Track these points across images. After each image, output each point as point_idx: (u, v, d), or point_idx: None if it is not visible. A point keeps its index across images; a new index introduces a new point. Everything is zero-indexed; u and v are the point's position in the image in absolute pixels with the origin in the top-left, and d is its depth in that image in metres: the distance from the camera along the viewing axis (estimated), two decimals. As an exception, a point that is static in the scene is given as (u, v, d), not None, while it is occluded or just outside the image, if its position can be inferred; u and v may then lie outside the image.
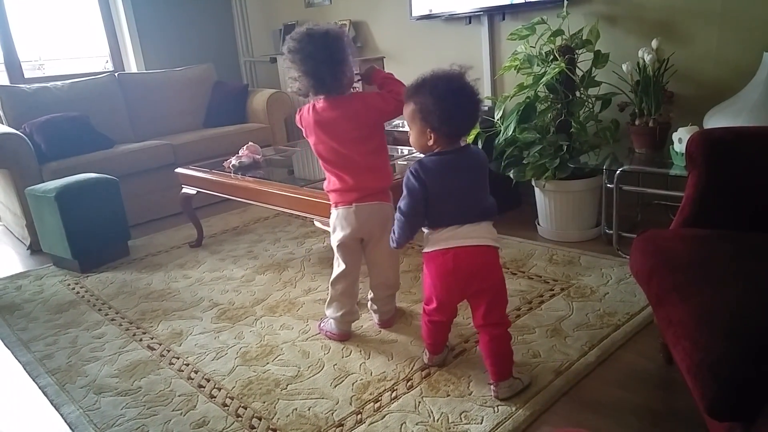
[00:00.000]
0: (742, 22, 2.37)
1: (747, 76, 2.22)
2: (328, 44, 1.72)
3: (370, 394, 1.64)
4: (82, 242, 2.82)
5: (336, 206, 1.85)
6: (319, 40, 1.71)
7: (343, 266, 1.89)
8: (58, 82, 3.77)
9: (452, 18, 3.35)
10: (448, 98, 1.44)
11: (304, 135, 1.88)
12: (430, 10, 3.37)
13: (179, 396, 1.73)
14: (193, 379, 1.81)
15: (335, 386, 1.69)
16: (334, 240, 1.87)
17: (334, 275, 1.91)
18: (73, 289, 2.67)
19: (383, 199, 1.84)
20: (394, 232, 1.59)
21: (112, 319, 2.30)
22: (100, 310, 2.40)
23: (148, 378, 1.84)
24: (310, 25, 1.75)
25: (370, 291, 2.00)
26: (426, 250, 1.56)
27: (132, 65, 4.46)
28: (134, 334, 2.15)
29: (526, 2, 2.93)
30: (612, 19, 2.72)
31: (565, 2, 2.65)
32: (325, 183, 1.91)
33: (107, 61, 4.48)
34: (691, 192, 1.55)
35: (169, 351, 2.00)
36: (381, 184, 1.84)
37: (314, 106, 1.82)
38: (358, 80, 1.88)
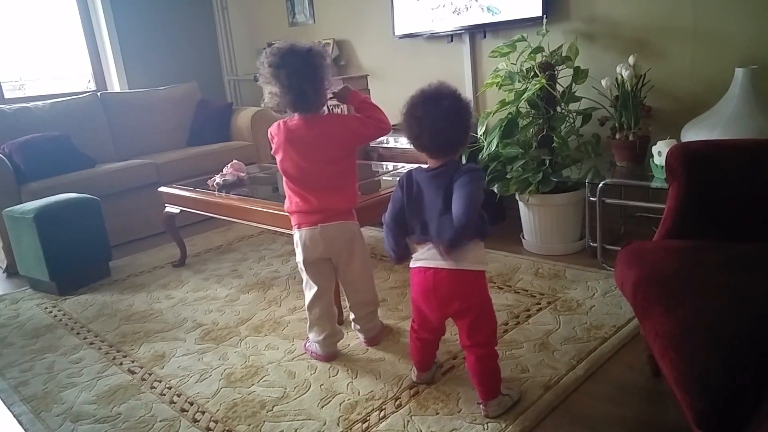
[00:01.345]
0: (714, 39, 2.43)
1: (720, 90, 2.27)
2: (312, 61, 1.72)
3: (358, 414, 1.61)
4: (60, 264, 2.76)
5: (299, 227, 1.82)
6: (304, 56, 1.71)
7: (314, 288, 1.86)
8: (39, 102, 3.73)
9: (434, 36, 3.39)
10: (408, 114, 1.45)
11: (272, 151, 1.86)
12: (412, 32, 3.41)
13: (161, 421, 1.68)
14: (175, 403, 1.76)
15: (322, 407, 1.66)
16: (301, 262, 1.85)
17: (308, 299, 1.88)
18: (51, 312, 2.60)
19: (348, 218, 1.82)
20: None
21: (91, 343, 2.24)
22: (78, 333, 2.35)
23: (128, 403, 1.79)
24: (292, 41, 1.75)
25: (351, 311, 1.98)
26: (411, 264, 1.55)
27: (115, 85, 4.43)
28: (114, 358, 2.10)
29: (506, 20, 2.97)
30: (590, 37, 2.77)
31: (545, 20, 2.70)
32: (286, 203, 1.87)
33: (89, 81, 4.45)
34: (672, 204, 1.57)
35: (150, 374, 1.95)
36: (346, 205, 1.82)
37: (285, 122, 1.80)
38: (330, 98, 1.87)
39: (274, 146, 1.83)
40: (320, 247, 1.80)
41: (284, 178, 1.84)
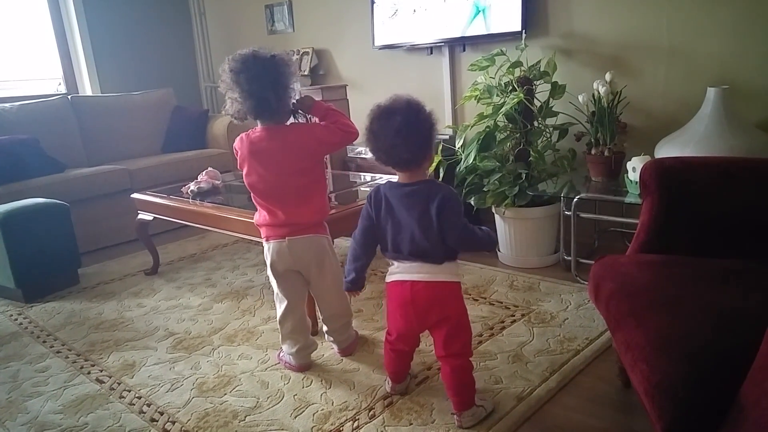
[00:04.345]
0: (687, 59, 2.50)
1: (693, 109, 2.33)
2: (275, 67, 1.68)
3: (332, 424, 1.59)
4: (26, 270, 2.69)
5: (267, 240, 1.80)
6: (266, 63, 1.67)
7: (285, 302, 1.83)
8: (7, 105, 3.64)
9: (414, 48, 3.42)
10: (367, 129, 1.45)
11: (238, 165, 1.81)
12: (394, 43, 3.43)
13: (129, 431, 1.64)
14: (145, 413, 1.72)
15: (295, 417, 1.64)
16: (271, 276, 1.83)
17: (279, 313, 1.86)
18: (16, 320, 2.53)
19: (318, 231, 1.79)
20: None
21: (58, 352, 2.18)
22: (44, 342, 2.28)
23: (95, 413, 1.74)
24: (256, 48, 1.71)
25: (324, 323, 1.97)
26: (387, 279, 1.55)
27: (87, 88, 4.35)
28: (82, 367, 2.04)
29: (485, 34, 3.01)
30: (568, 53, 2.83)
31: (524, 35, 2.74)
32: (256, 216, 1.85)
33: (60, 84, 4.36)
34: (645, 219, 1.59)
35: (119, 383, 1.91)
36: (315, 218, 1.79)
37: (248, 135, 1.75)
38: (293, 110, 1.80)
39: (239, 160, 1.79)
40: (288, 260, 1.77)
41: (251, 193, 1.80)
